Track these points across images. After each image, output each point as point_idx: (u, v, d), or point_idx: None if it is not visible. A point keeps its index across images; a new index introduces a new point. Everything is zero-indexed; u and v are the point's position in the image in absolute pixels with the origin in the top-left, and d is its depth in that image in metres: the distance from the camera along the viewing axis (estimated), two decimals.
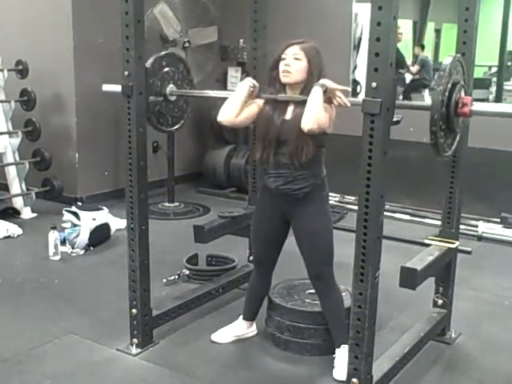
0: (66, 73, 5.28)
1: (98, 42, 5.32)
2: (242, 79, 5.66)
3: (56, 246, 4.17)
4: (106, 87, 3.31)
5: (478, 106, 2.32)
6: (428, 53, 7.49)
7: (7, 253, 4.32)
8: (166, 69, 3.05)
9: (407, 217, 5.20)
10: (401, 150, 4.95)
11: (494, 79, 6.63)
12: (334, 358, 2.80)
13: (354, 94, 5.77)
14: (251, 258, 3.48)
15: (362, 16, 5.68)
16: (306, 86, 2.65)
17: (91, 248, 4.35)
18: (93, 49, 5.30)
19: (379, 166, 2.15)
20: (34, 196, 5.16)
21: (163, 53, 3.15)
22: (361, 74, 5.68)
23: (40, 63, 5.22)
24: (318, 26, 5.74)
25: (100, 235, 4.43)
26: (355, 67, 5.79)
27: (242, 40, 5.57)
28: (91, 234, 4.33)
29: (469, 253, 4.25)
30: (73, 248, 4.29)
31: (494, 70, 6.69)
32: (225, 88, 5.87)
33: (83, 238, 4.29)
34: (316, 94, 2.53)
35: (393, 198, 5.04)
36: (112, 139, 5.49)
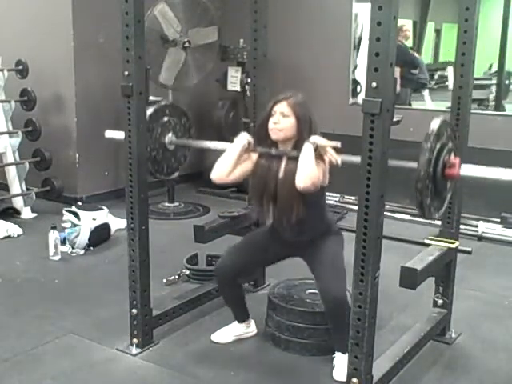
0: (66, 73, 5.27)
1: (98, 42, 5.32)
2: (242, 79, 5.70)
3: (56, 246, 4.17)
4: (109, 134, 3.29)
5: (466, 170, 2.36)
6: (428, 53, 7.51)
7: (7, 253, 4.32)
8: (168, 118, 3.09)
9: (407, 217, 5.19)
10: (401, 150, 4.95)
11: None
12: (333, 358, 2.81)
13: (354, 93, 5.78)
14: None
15: (362, 16, 5.67)
16: (297, 141, 2.68)
17: (91, 248, 4.35)
18: (93, 49, 5.30)
19: (379, 166, 2.15)
20: (34, 196, 5.16)
21: (167, 103, 3.15)
22: (361, 74, 5.69)
23: (40, 63, 5.22)
24: (317, 25, 5.75)
25: (100, 235, 4.43)
26: (355, 67, 5.80)
27: (242, 40, 5.57)
28: (91, 234, 4.32)
29: (469, 253, 4.24)
30: (73, 248, 4.29)
31: (494, 69, 6.69)
32: (225, 88, 5.86)
33: (83, 238, 4.29)
34: (307, 152, 2.56)
35: (393, 198, 5.04)
36: (112, 139, 5.47)
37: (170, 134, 3.10)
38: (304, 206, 2.66)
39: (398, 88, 6.03)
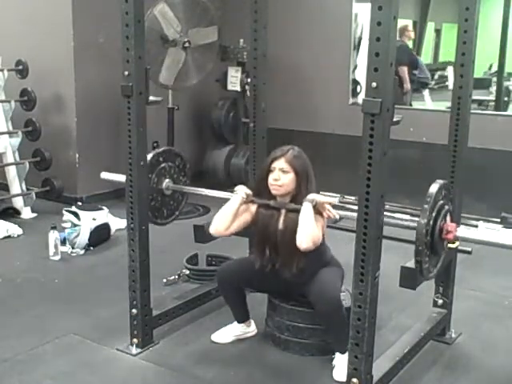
0: (66, 73, 5.28)
1: (98, 42, 5.32)
2: (242, 79, 5.70)
3: (56, 246, 4.17)
4: (105, 175, 3.32)
5: (462, 232, 2.43)
6: (428, 53, 7.51)
7: (7, 253, 4.32)
8: (163, 164, 3.12)
9: (407, 217, 5.18)
10: (401, 150, 4.96)
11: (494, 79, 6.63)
12: (333, 358, 2.81)
13: (354, 93, 5.78)
14: None
15: (362, 16, 5.67)
16: (296, 194, 2.76)
17: (91, 248, 4.35)
18: (93, 49, 5.31)
19: (379, 166, 2.15)
20: (34, 196, 5.16)
21: (161, 149, 3.17)
22: (361, 74, 5.69)
23: (40, 63, 5.22)
24: (318, 25, 5.75)
25: (100, 235, 4.43)
26: (355, 67, 5.79)
27: (242, 40, 5.57)
28: (91, 234, 4.33)
29: (469, 253, 4.23)
30: (73, 248, 4.29)
31: (495, 69, 6.69)
32: (225, 88, 5.86)
33: (83, 238, 4.29)
34: (307, 210, 2.63)
35: (393, 198, 5.04)
36: (112, 139, 5.48)
37: (167, 180, 3.15)
38: (304, 257, 2.72)
39: (408, 87, 6.05)
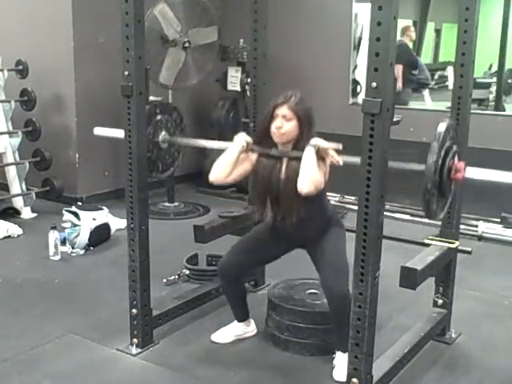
0: (66, 73, 5.27)
1: (98, 42, 5.32)
2: (242, 79, 5.70)
3: (56, 246, 4.17)
4: (98, 131, 3.28)
5: (471, 173, 2.41)
6: (428, 53, 7.50)
7: (7, 253, 4.32)
8: (159, 116, 3.08)
9: (407, 217, 5.19)
10: (401, 150, 4.95)
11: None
12: (333, 358, 2.81)
13: (354, 93, 5.78)
14: None
15: (362, 16, 5.67)
16: (297, 141, 2.68)
17: (91, 248, 4.35)
18: (93, 49, 5.30)
19: (379, 165, 2.15)
20: (34, 196, 5.16)
21: (156, 99, 3.13)
22: (361, 74, 5.69)
23: (40, 63, 5.22)
24: (318, 25, 5.75)
25: (100, 235, 4.43)
26: (355, 67, 5.80)
27: (242, 40, 5.57)
28: (91, 234, 4.32)
29: (469, 253, 4.23)
30: (73, 248, 4.29)
31: (494, 69, 6.69)
32: (225, 88, 5.86)
33: (83, 238, 4.29)
34: (309, 155, 2.56)
35: (393, 198, 5.04)
36: (112, 139, 5.47)
37: (164, 133, 3.11)
38: (306, 205, 2.66)
39: (400, 86, 6.03)
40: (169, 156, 3.20)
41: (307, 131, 2.67)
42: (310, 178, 2.52)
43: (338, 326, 2.74)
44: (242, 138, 2.74)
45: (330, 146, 2.59)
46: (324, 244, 2.77)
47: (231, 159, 2.72)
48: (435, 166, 2.28)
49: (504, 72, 6.37)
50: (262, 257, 3.02)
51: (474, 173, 2.43)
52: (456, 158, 2.42)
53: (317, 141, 2.60)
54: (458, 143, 2.47)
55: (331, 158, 2.58)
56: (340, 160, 2.57)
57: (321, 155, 2.58)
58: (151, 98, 2.94)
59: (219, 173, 2.73)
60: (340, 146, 2.58)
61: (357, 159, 2.22)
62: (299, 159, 2.59)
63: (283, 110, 2.66)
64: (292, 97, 2.68)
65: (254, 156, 2.78)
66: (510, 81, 6.47)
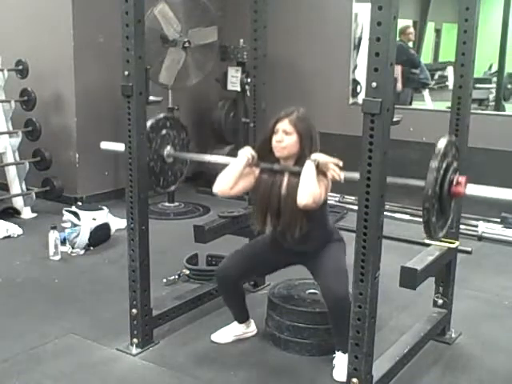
0: (66, 73, 5.28)
1: (98, 42, 5.32)
2: (242, 79, 5.70)
3: (56, 246, 4.17)
4: (105, 145, 3.32)
5: (471, 189, 2.41)
6: (428, 53, 7.50)
7: (7, 253, 4.32)
8: (166, 131, 3.11)
9: (407, 217, 5.19)
10: (401, 150, 4.95)
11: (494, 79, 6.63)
12: (333, 358, 2.81)
13: (354, 93, 5.78)
14: None
15: (362, 16, 5.67)
16: (299, 157, 2.70)
17: (91, 248, 4.35)
18: (93, 49, 5.30)
19: (379, 166, 2.15)
20: (34, 196, 5.16)
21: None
22: (361, 74, 5.69)
23: (40, 63, 5.22)
24: (318, 25, 5.75)
25: (100, 235, 4.43)
26: (355, 67, 5.79)
27: (242, 40, 5.56)
28: (91, 234, 4.32)
29: (469, 253, 4.24)
30: (73, 248, 4.29)
31: (494, 69, 6.70)
32: (225, 88, 5.86)
33: (83, 238, 4.29)
34: (308, 169, 2.59)
35: (393, 198, 5.04)
36: (112, 139, 5.46)
37: (169, 147, 3.13)
38: (307, 221, 2.69)
39: (400, 86, 6.03)
40: (171, 173, 3.23)
41: (308, 147, 2.69)
42: (308, 190, 2.55)
43: (337, 328, 2.74)
44: (247, 152, 2.77)
45: (330, 161, 2.62)
46: (324, 258, 2.79)
47: (236, 172, 2.74)
48: (436, 175, 2.29)
49: (504, 76, 6.38)
50: (261, 269, 3.06)
51: (475, 189, 2.43)
52: (457, 174, 2.43)
53: (317, 155, 2.63)
54: (458, 160, 2.48)
55: (332, 172, 2.60)
56: (341, 175, 2.60)
57: (321, 170, 2.61)
58: (151, 97, 2.93)
59: (223, 185, 2.75)
60: (340, 163, 2.61)
61: (357, 175, 2.24)
62: (300, 175, 2.61)
63: (284, 125, 2.69)
64: (294, 112, 2.72)
65: (257, 171, 2.81)
66: (509, 86, 6.45)
